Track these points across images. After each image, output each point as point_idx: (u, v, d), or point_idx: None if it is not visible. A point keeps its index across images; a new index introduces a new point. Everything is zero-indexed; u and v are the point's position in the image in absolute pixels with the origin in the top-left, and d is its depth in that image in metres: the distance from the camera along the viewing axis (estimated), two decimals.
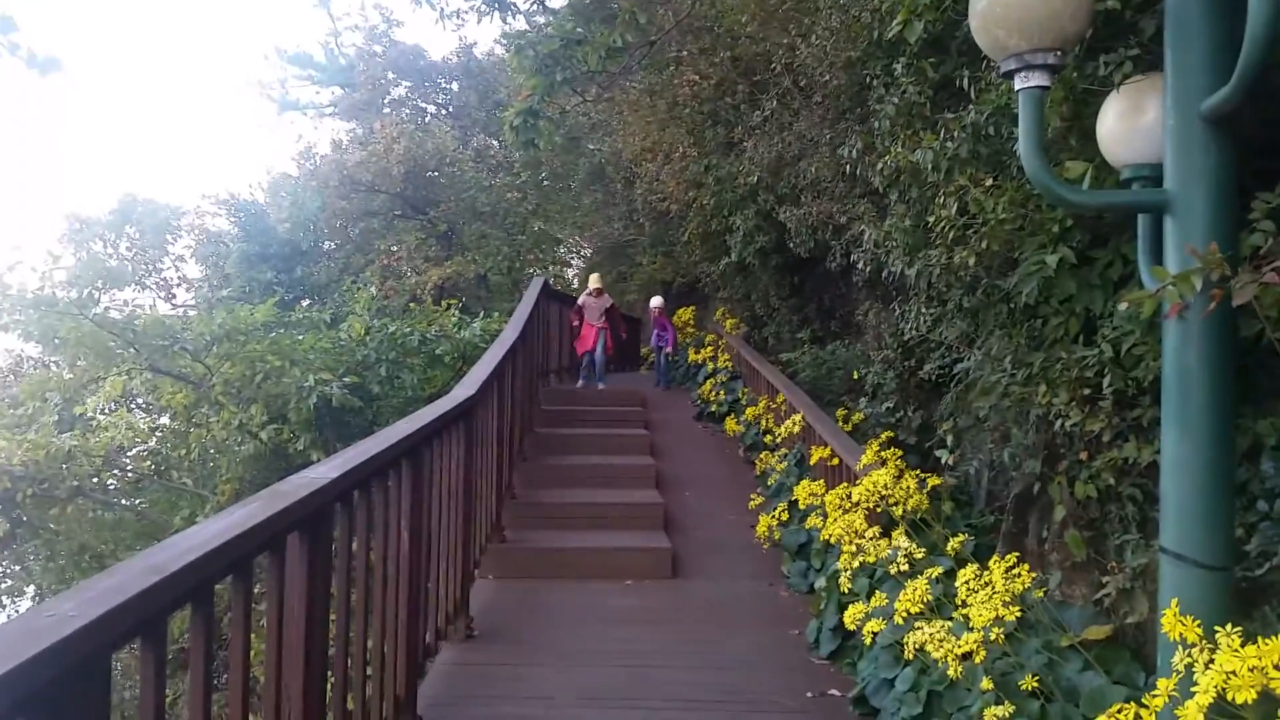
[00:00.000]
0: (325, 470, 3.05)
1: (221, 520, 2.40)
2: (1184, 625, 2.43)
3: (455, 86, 25.27)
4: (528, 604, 6.03)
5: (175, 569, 1.99)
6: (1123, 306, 2.99)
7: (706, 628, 5.68)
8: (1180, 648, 2.38)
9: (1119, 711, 2.42)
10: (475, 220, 19.28)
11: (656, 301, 14.72)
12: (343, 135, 22.69)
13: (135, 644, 1.95)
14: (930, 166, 4.33)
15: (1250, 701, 2.09)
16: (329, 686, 3.00)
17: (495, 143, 22.63)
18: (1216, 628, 2.29)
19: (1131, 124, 2.93)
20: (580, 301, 13.16)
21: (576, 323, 13.07)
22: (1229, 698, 2.12)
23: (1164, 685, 2.38)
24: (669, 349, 14.60)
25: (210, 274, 18.01)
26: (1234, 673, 2.11)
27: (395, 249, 18.89)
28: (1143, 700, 2.52)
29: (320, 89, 25.90)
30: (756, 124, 9.24)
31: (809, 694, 4.71)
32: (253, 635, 2.52)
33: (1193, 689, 2.20)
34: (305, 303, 14.29)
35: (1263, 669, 2.09)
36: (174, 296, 18.35)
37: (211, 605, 2.23)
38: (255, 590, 2.51)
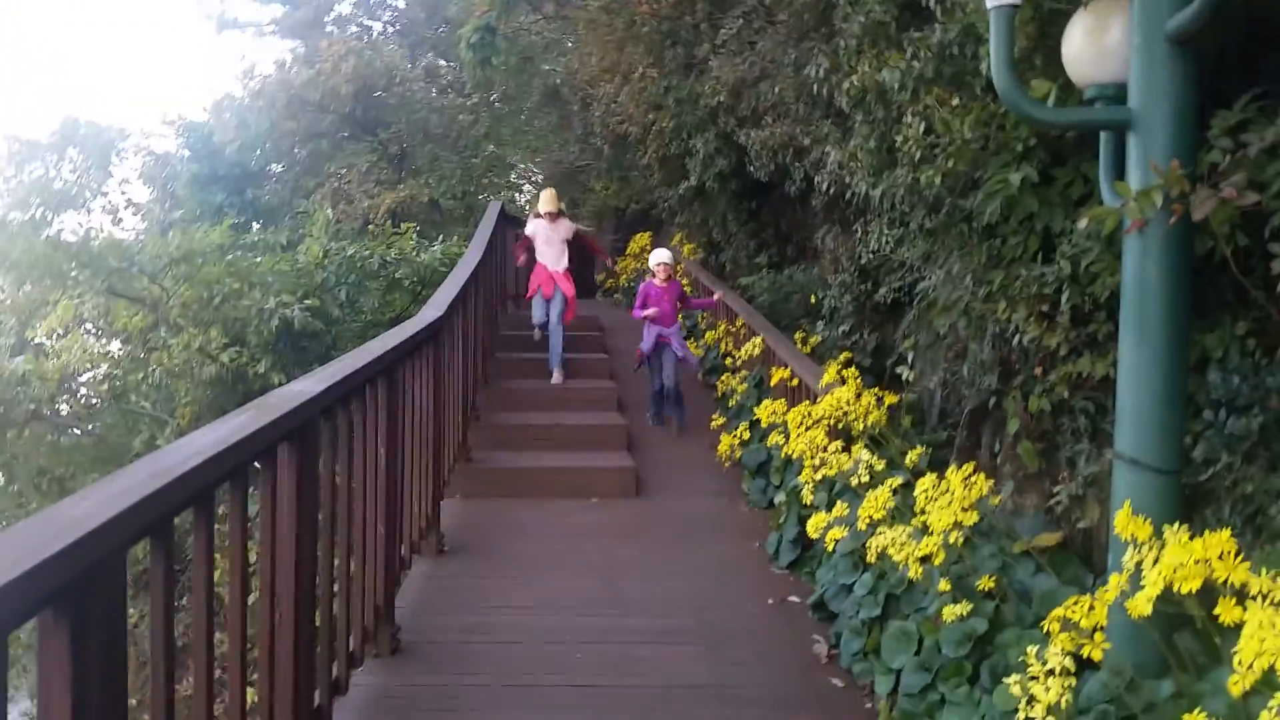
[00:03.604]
0: (309, 385, 3.10)
1: (216, 430, 2.45)
2: (1136, 525, 2.57)
3: (402, 3, 24.60)
4: (496, 521, 6.15)
5: (181, 472, 2.05)
6: (1083, 223, 3.09)
7: (671, 542, 5.85)
8: (1131, 546, 2.52)
9: (1074, 604, 2.58)
10: (427, 142, 18.99)
11: (662, 256, 8.62)
12: (286, 54, 22.06)
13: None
14: (896, 86, 4.38)
15: (1193, 592, 2.26)
16: (317, 593, 3.09)
17: (444, 62, 22.15)
18: (1165, 526, 2.43)
19: (1097, 43, 3.00)
20: (528, 229, 9.82)
21: (523, 258, 10.01)
22: (1175, 589, 2.28)
23: (1115, 580, 2.54)
24: (678, 349, 8.33)
25: (159, 196, 17.63)
26: (1182, 564, 2.26)
27: (344, 171, 18.57)
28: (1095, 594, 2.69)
29: (260, 5, 25.04)
30: (719, 44, 9.18)
31: (770, 600, 4.91)
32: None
33: (1142, 583, 2.35)
34: (256, 226, 14.03)
35: (1206, 560, 2.26)
36: (120, 220, 17.96)
37: (213, 509, 2.29)
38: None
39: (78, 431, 10.74)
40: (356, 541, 3.68)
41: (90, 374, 10.76)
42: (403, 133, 18.71)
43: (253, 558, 2.66)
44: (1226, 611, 2.16)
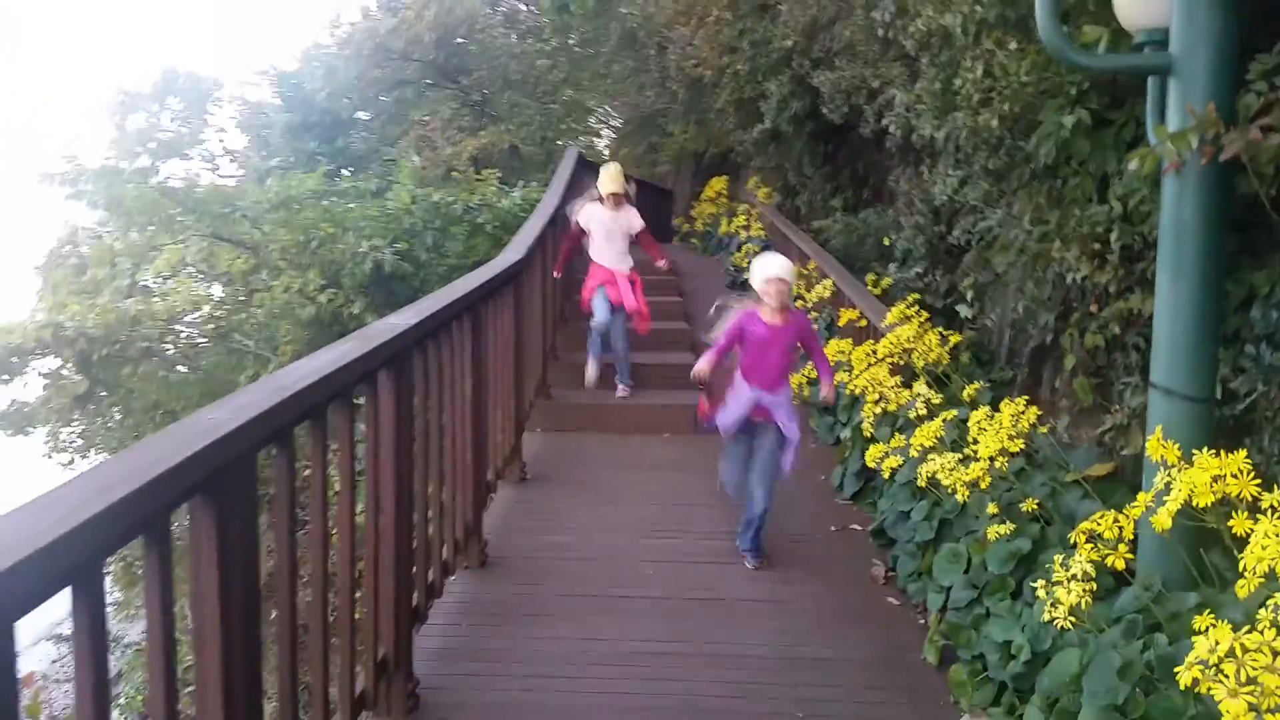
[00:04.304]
0: (403, 319, 3.42)
1: (325, 355, 2.77)
2: (1165, 448, 2.75)
3: None
4: (574, 452, 6.51)
5: (297, 389, 2.36)
6: (1131, 165, 3.22)
7: None
8: (1162, 468, 2.71)
9: (1100, 518, 2.78)
10: (507, 89, 19.30)
11: (775, 267, 4.45)
12: (371, 1, 22.51)
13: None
14: (959, 30, 4.49)
15: (1210, 504, 2.44)
16: (414, 505, 3.44)
17: (524, 6, 22.35)
18: (1194, 451, 2.60)
19: None
20: (580, 218, 7.36)
21: (570, 248, 7.57)
22: (1194, 504, 2.46)
23: (1142, 498, 2.73)
24: (785, 421, 4.65)
25: (254, 144, 18.36)
26: (1200, 481, 2.45)
27: (428, 119, 19.01)
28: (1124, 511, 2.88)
29: None
30: None
31: (832, 528, 5.17)
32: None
33: (1165, 499, 2.54)
34: (346, 172, 14.52)
35: (1222, 477, 2.44)
36: (217, 168, 18.74)
37: (325, 424, 2.62)
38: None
39: (184, 369, 11.43)
40: (448, 464, 4.04)
41: (195, 314, 11.45)
42: (483, 79, 19.04)
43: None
44: (1239, 524, 2.35)
